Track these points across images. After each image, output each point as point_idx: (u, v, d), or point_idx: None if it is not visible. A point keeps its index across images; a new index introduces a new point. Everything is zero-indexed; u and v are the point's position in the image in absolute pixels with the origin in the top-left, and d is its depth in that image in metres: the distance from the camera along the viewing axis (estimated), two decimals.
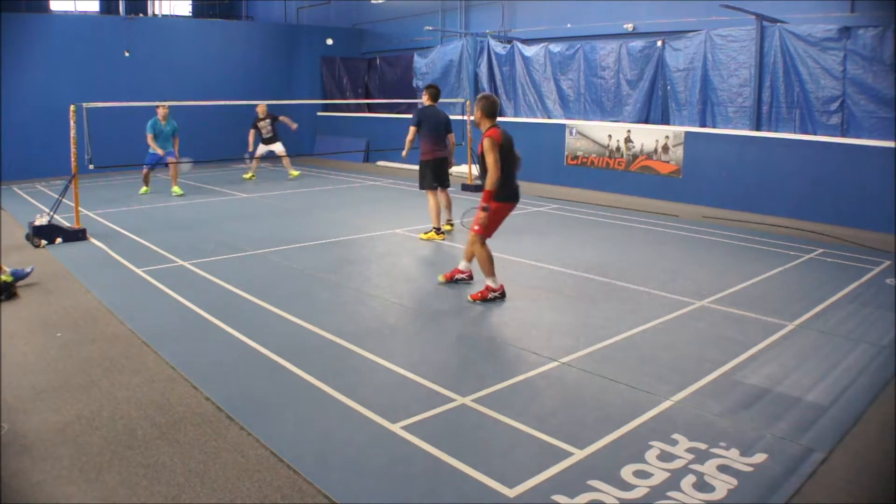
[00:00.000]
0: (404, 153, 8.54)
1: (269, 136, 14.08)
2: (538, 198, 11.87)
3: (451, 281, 6.41)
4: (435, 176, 8.36)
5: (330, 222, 9.68)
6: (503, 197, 5.77)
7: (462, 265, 6.40)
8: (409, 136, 8.33)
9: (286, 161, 14.47)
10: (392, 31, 18.94)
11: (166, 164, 12.10)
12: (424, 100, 8.45)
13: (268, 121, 14.01)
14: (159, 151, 11.73)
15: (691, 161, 11.46)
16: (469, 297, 5.95)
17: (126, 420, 3.80)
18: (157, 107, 11.77)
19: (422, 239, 8.35)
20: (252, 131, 14.12)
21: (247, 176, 14.42)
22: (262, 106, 14.04)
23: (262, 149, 14.13)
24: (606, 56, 13.08)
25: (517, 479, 3.17)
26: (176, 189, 12.32)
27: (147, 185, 12.41)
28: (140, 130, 11.80)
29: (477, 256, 5.92)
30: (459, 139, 12.99)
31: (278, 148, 14.14)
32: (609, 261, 7.40)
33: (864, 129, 9.89)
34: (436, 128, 8.29)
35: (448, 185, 8.64)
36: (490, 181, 5.58)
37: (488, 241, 5.96)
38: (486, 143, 5.60)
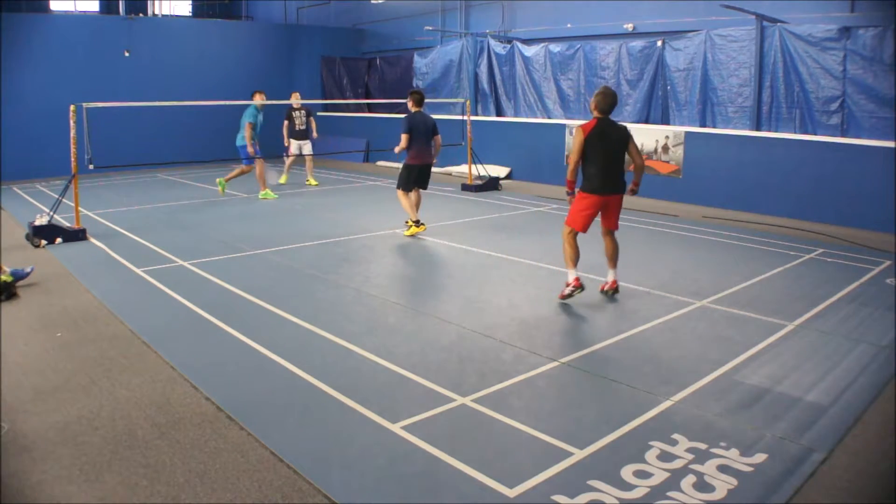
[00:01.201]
0: (398, 150, 8.60)
1: (302, 128, 13.01)
2: (538, 197, 11.87)
3: (565, 298, 5.94)
4: (415, 179, 8.56)
5: (330, 222, 9.68)
6: (587, 189, 5.83)
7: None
8: (403, 144, 8.40)
9: (310, 165, 13.66)
10: (392, 31, 18.94)
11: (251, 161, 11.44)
12: (410, 106, 8.61)
13: (303, 112, 13.17)
14: (250, 149, 11.21)
15: (691, 161, 11.46)
16: (558, 298, 5.94)
17: (126, 420, 3.80)
18: (255, 93, 11.28)
19: (407, 235, 8.50)
20: (286, 123, 13.18)
21: (281, 180, 13.56)
22: (296, 94, 13.31)
23: (294, 145, 13.22)
24: (606, 56, 13.08)
25: (517, 479, 3.17)
26: (268, 192, 11.80)
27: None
28: (140, 130, 11.81)
29: (563, 248, 5.98)
30: (458, 139, 13.03)
31: (307, 148, 13.28)
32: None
33: (864, 129, 9.89)
34: (425, 133, 8.51)
35: (425, 187, 8.83)
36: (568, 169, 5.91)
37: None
38: (575, 131, 5.78)
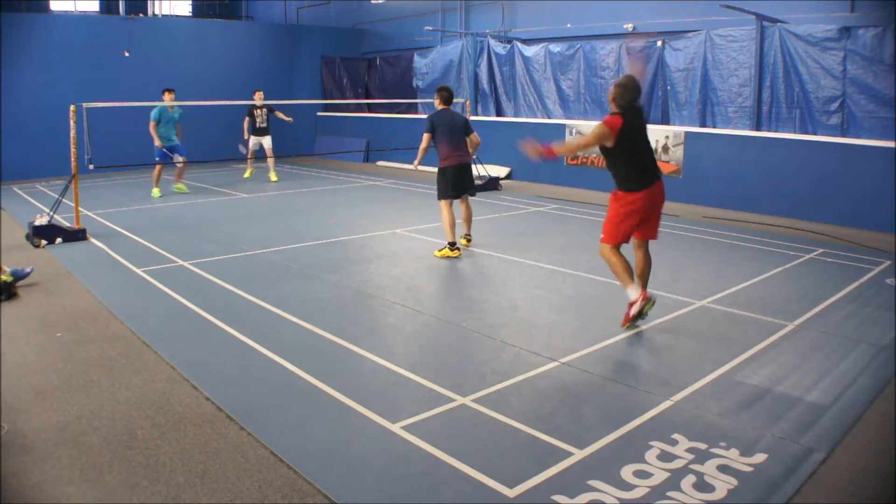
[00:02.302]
0: (416, 163, 7.88)
1: (262, 125, 13.64)
2: (538, 198, 11.87)
3: (633, 320, 5.20)
4: (453, 184, 7.60)
5: (330, 222, 9.68)
6: (628, 188, 5.10)
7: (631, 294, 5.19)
8: (423, 144, 7.65)
9: (271, 162, 14.07)
10: (392, 31, 18.93)
11: (171, 161, 11.89)
12: (436, 104, 7.78)
13: (264, 110, 13.63)
14: (157, 142, 11.55)
15: (691, 161, 11.46)
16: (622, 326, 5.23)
17: (126, 420, 3.80)
18: (164, 91, 11.62)
19: (437, 256, 7.51)
20: (247, 119, 13.68)
21: (246, 175, 14.31)
22: (259, 93, 13.63)
23: (253, 140, 13.72)
24: (606, 56, 13.08)
25: (517, 479, 3.17)
26: (181, 187, 12.32)
27: (157, 186, 12.17)
28: (141, 130, 11.79)
29: (610, 264, 5.20)
30: None
31: (267, 143, 13.71)
32: None
33: (864, 129, 9.89)
34: (451, 131, 7.56)
35: (473, 193, 7.91)
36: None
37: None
38: (598, 127, 5.04)
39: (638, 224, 5.18)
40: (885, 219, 8.94)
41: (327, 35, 19.79)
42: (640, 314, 5.17)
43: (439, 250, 7.59)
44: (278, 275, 6.89)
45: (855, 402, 4.04)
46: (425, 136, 7.62)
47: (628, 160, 5.12)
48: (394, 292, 6.24)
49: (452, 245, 7.50)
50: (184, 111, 12.13)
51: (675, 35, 12.13)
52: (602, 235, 5.24)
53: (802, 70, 10.43)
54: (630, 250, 5.36)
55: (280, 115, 13.76)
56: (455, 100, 14.76)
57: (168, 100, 11.59)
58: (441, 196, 7.66)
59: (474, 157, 8.06)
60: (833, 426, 3.73)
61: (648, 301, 5.13)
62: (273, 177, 14.04)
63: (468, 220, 8.03)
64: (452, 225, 7.50)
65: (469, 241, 8.05)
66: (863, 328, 5.32)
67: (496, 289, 6.43)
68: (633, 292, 5.11)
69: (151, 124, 11.51)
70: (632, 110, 5.13)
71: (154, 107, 11.48)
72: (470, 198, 7.97)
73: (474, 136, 7.82)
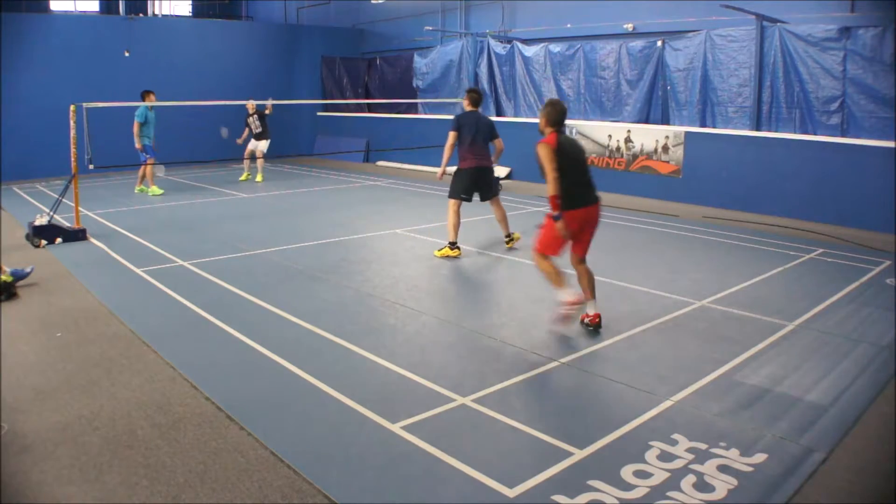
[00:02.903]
0: (441, 171, 7.60)
1: (258, 131, 13.90)
2: (538, 198, 11.86)
3: (567, 319, 5.15)
4: (466, 187, 7.52)
5: (330, 222, 9.68)
6: (566, 206, 5.04)
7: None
8: (449, 142, 7.43)
9: (260, 163, 14.17)
10: (392, 31, 18.94)
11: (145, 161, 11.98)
12: (465, 105, 7.68)
13: (255, 117, 13.86)
14: (137, 144, 11.65)
15: (691, 161, 11.46)
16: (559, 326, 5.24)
17: (126, 420, 3.80)
18: (148, 93, 11.71)
19: (437, 256, 7.50)
20: (246, 130, 13.98)
21: (242, 178, 14.35)
22: (250, 103, 13.87)
23: (252, 144, 13.97)
24: (606, 56, 13.08)
25: (517, 479, 3.17)
26: (154, 189, 12.31)
27: (149, 184, 12.35)
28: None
29: (543, 272, 5.27)
30: None
31: (261, 147, 13.94)
32: (609, 261, 7.40)
33: (864, 129, 9.89)
34: (475, 133, 7.43)
35: (494, 195, 7.80)
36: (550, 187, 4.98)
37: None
38: (539, 149, 5.03)
39: (571, 240, 5.18)
40: (885, 219, 8.94)
41: (327, 35, 19.80)
42: (573, 317, 5.11)
43: (439, 249, 7.59)
44: (278, 275, 6.89)
45: (855, 402, 4.04)
46: (451, 135, 7.46)
47: (566, 179, 5.02)
48: (394, 292, 6.23)
49: (453, 245, 7.49)
50: (182, 111, 12.16)
51: (675, 35, 12.13)
52: (536, 245, 5.25)
53: (802, 70, 10.43)
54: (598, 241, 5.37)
55: (268, 109, 13.88)
56: (455, 100, 14.88)
57: (151, 101, 11.69)
58: (451, 195, 7.60)
59: (496, 163, 7.95)
60: (833, 426, 3.73)
61: (579, 303, 5.09)
62: (259, 178, 14.16)
63: (503, 221, 7.93)
64: (456, 226, 7.50)
65: (511, 240, 7.95)
66: (863, 328, 5.32)
67: (496, 289, 6.44)
68: (567, 293, 5.07)
69: (136, 125, 11.62)
70: (562, 132, 5.20)
71: (137, 107, 11.61)
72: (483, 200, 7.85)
73: (499, 142, 7.73)
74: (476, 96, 7.69)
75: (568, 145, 5.16)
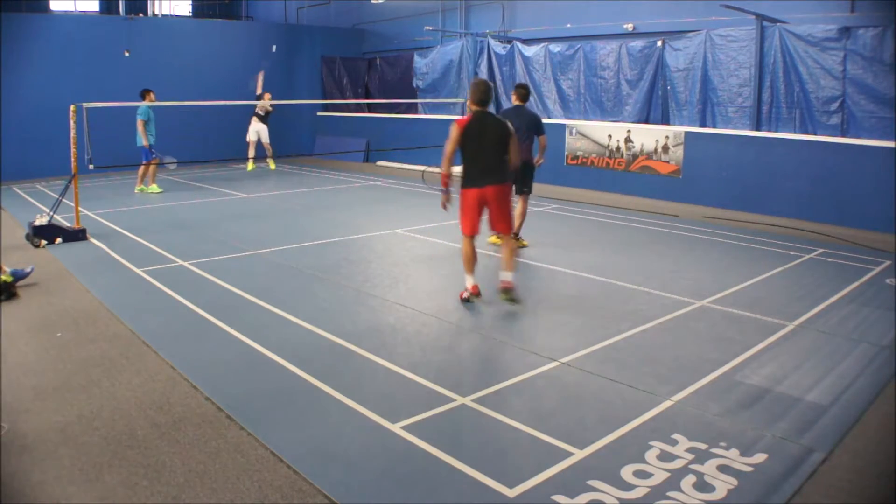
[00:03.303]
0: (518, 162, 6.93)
1: (262, 114, 14.32)
2: (538, 198, 11.86)
3: (464, 300, 5.85)
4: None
5: (330, 222, 9.68)
6: (465, 184, 5.64)
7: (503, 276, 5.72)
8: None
9: (269, 150, 14.62)
10: (392, 31, 18.94)
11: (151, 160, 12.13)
12: (513, 98, 7.75)
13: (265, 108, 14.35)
14: (145, 142, 11.80)
15: (691, 161, 11.46)
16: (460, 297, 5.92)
17: (126, 420, 3.80)
18: (148, 92, 11.83)
19: (490, 242, 7.60)
20: (254, 118, 14.34)
21: (249, 167, 14.60)
22: (266, 96, 14.27)
23: (252, 131, 14.28)
24: (606, 56, 13.08)
25: (517, 479, 3.17)
26: (154, 187, 12.43)
27: (148, 183, 12.46)
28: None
29: (462, 252, 5.85)
30: None
31: (264, 135, 14.31)
32: (609, 261, 7.41)
33: (864, 129, 9.89)
34: (517, 128, 6.93)
35: (528, 191, 7.85)
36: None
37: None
38: (451, 127, 5.62)
39: (476, 217, 5.66)
40: (885, 219, 8.95)
41: (327, 35, 19.79)
42: (468, 301, 5.79)
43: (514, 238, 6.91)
44: (278, 275, 6.89)
45: (855, 402, 4.04)
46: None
47: (466, 159, 5.60)
48: (394, 292, 6.23)
49: (516, 235, 7.34)
50: (182, 111, 12.25)
51: (675, 35, 12.13)
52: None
53: (802, 70, 10.43)
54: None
55: (270, 106, 14.26)
56: (455, 100, 14.88)
57: (151, 100, 11.80)
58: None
59: (541, 159, 7.97)
60: (833, 426, 3.73)
61: (476, 295, 5.79)
62: (272, 165, 14.64)
63: (520, 217, 7.82)
64: (520, 215, 7.59)
65: (517, 240, 7.74)
66: (863, 328, 5.32)
67: (496, 289, 6.42)
68: (468, 282, 5.81)
69: (140, 123, 11.76)
70: (484, 114, 5.67)
71: (138, 106, 11.70)
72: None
73: (543, 139, 7.78)
74: (524, 91, 7.73)
75: (478, 128, 5.57)
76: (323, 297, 6.16)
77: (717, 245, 8.30)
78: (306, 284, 6.56)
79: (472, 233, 5.71)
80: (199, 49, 17.43)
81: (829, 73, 10.14)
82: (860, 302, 5.99)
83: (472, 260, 5.78)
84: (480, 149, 5.58)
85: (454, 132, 5.55)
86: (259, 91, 14.33)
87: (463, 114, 13.75)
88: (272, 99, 14.54)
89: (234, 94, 16.33)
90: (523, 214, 7.91)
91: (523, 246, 7.87)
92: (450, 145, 5.58)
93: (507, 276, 5.65)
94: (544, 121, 13.96)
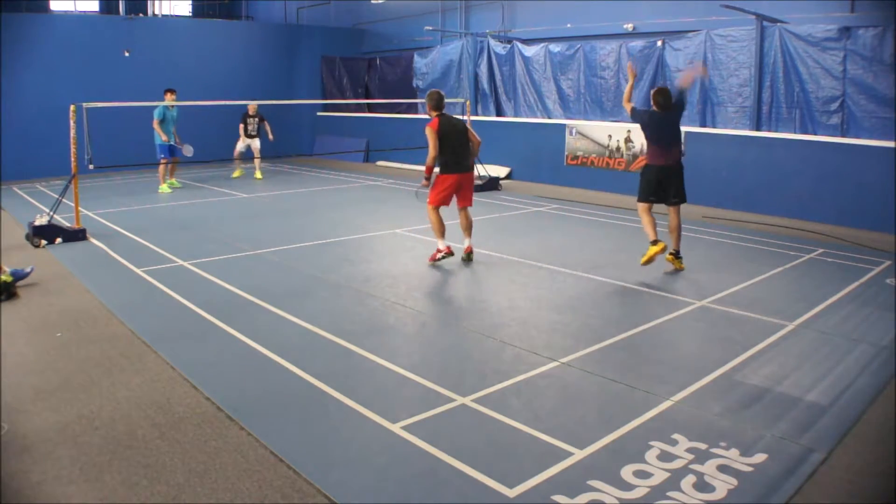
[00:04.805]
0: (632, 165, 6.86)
1: (253, 133, 14.32)
2: (538, 198, 11.87)
3: (435, 261, 7.16)
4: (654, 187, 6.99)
5: (330, 222, 9.68)
6: (445, 171, 7.02)
7: (439, 244, 7.17)
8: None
9: (257, 162, 14.67)
10: (392, 31, 18.93)
11: (173, 158, 12.35)
12: (652, 105, 6.89)
13: (256, 119, 14.28)
14: (164, 137, 12.01)
15: (691, 161, 11.41)
16: (427, 261, 7.18)
17: (126, 420, 3.80)
18: (168, 91, 12.07)
19: (643, 262, 6.67)
20: (241, 126, 14.28)
21: (235, 174, 14.61)
22: (253, 105, 14.25)
23: (242, 143, 14.30)
24: (606, 56, 13.08)
25: (517, 479, 3.17)
26: (174, 182, 12.66)
27: (172, 178, 12.69)
28: (140, 130, 11.82)
29: (430, 221, 7.17)
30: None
31: (255, 145, 14.38)
32: (609, 261, 7.41)
33: (864, 129, 9.89)
34: (666, 135, 6.82)
35: (675, 202, 7.04)
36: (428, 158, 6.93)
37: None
38: (426, 131, 6.88)
39: (452, 195, 7.12)
40: (885, 219, 8.94)
41: (327, 35, 19.79)
42: (439, 260, 7.15)
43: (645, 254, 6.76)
44: (278, 275, 6.89)
45: (855, 402, 4.04)
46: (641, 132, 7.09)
47: (444, 151, 6.93)
48: (394, 292, 6.23)
49: (654, 241, 6.70)
50: (182, 111, 12.31)
51: (675, 35, 12.13)
52: (429, 200, 7.12)
53: (802, 70, 10.42)
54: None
55: (268, 128, 14.39)
56: (455, 100, 14.90)
57: (170, 99, 11.98)
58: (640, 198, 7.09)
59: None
60: (833, 426, 3.73)
61: (448, 254, 7.11)
62: (258, 175, 14.60)
63: (676, 229, 7.06)
64: (649, 224, 6.91)
65: (677, 259, 7.08)
66: (863, 328, 5.32)
67: (496, 289, 6.43)
68: (441, 244, 7.14)
69: (155, 122, 11.97)
70: (446, 115, 7.10)
71: (155, 107, 11.89)
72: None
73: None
74: (663, 99, 6.79)
75: (448, 126, 6.98)
76: (323, 297, 6.16)
77: (717, 245, 8.30)
78: (306, 284, 6.56)
79: (440, 205, 7.09)
80: (199, 49, 17.43)
81: (829, 73, 10.14)
82: (860, 302, 5.98)
83: (441, 226, 7.14)
84: (454, 142, 6.98)
85: (434, 134, 6.85)
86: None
87: (463, 113, 13.78)
88: (273, 99, 14.56)
89: (234, 93, 16.35)
90: (678, 228, 7.01)
91: (680, 269, 6.96)
92: (434, 144, 6.85)
93: (467, 242, 7.30)
94: (543, 121, 14.23)
